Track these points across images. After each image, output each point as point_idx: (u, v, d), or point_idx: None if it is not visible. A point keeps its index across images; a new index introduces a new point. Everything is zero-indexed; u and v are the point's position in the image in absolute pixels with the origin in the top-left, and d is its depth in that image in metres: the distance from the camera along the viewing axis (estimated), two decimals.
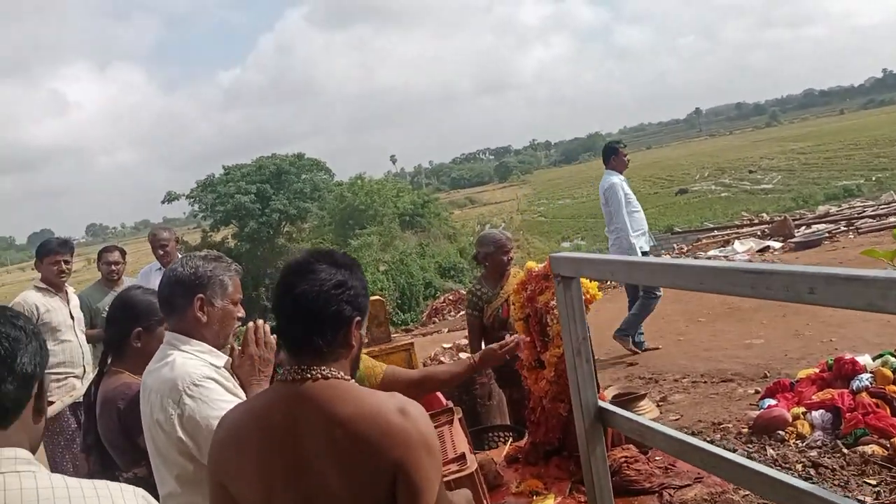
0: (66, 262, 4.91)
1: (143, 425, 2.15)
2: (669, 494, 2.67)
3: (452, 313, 12.94)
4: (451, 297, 14.37)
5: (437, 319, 13.08)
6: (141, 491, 1.23)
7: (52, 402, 4.58)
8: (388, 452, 1.47)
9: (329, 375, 1.53)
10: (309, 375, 1.53)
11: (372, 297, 5.06)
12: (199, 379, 2.05)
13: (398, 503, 1.51)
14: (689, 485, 2.73)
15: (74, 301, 5.03)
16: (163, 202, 35.05)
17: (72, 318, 4.91)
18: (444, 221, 36.77)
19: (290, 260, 1.65)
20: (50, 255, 4.85)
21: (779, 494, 1.31)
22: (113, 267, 5.36)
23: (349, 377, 1.58)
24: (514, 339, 2.92)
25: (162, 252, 5.59)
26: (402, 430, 1.49)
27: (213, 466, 1.62)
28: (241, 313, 2.28)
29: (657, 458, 3.01)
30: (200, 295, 2.16)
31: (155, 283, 3.48)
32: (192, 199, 33.60)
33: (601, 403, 1.82)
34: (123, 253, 5.66)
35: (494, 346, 2.94)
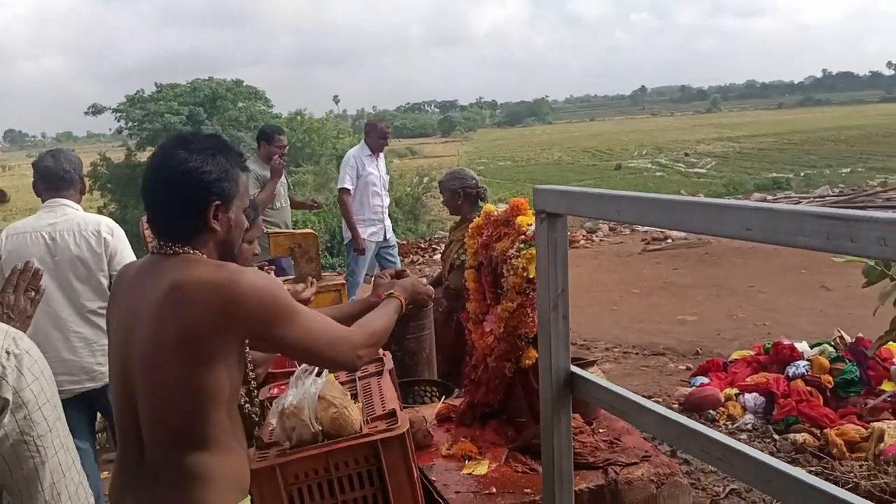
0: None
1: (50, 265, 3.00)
2: (615, 472, 2.45)
3: None
4: None
5: None
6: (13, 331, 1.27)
7: None
8: (223, 318, 1.52)
9: (181, 251, 1.61)
10: (167, 252, 1.61)
11: (304, 231, 4.70)
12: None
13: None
14: (635, 462, 2.51)
15: None
16: (86, 114, 33.07)
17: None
18: None
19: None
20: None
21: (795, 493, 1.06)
22: (284, 150, 5.67)
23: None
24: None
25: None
26: (235, 296, 1.52)
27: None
28: None
29: (601, 430, 2.79)
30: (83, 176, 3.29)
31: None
32: (118, 114, 31.78)
33: (574, 369, 1.54)
34: None
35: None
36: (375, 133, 6.31)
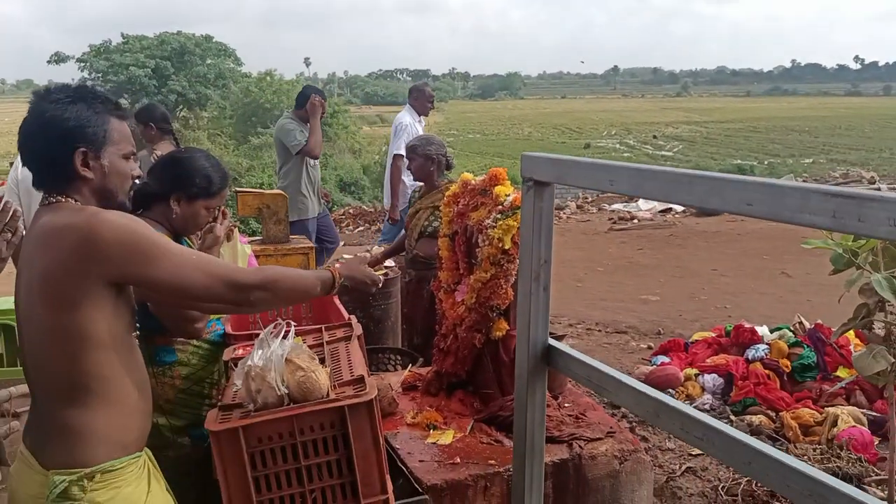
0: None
1: None
2: (580, 446, 2.45)
3: (351, 227, 12.48)
4: (350, 211, 13.82)
5: None
6: None
7: None
8: (82, 260, 1.51)
9: (55, 200, 1.61)
10: (45, 203, 1.63)
11: (273, 192, 4.59)
12: None
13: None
14: (600, 438, 2.52)
15: None
16: (49, 62, 32.03)
17: None
18: (351, 135, 35.44)
19: None
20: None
21: (772, 476, 1.05)
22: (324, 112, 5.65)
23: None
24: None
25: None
26: (93, 238, 1.51)
27: None
28: None
29: (566, 404, 2.79)
30: None
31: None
32: (82, 64, 30.81)
33: (551, 342, 1.51)
34: None
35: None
36: (424, 97, 6.35)
